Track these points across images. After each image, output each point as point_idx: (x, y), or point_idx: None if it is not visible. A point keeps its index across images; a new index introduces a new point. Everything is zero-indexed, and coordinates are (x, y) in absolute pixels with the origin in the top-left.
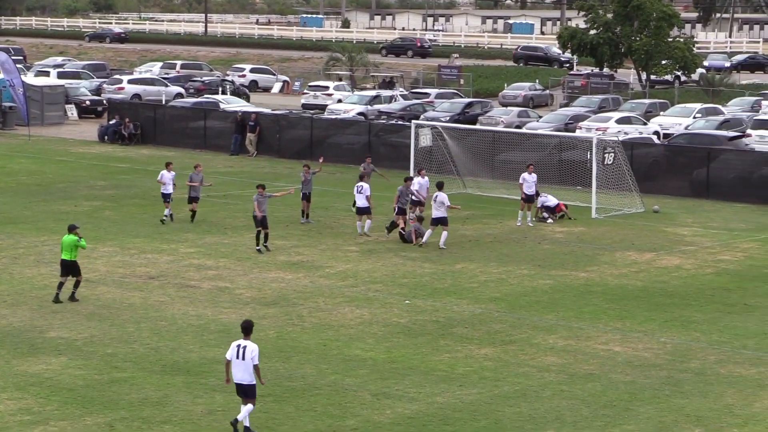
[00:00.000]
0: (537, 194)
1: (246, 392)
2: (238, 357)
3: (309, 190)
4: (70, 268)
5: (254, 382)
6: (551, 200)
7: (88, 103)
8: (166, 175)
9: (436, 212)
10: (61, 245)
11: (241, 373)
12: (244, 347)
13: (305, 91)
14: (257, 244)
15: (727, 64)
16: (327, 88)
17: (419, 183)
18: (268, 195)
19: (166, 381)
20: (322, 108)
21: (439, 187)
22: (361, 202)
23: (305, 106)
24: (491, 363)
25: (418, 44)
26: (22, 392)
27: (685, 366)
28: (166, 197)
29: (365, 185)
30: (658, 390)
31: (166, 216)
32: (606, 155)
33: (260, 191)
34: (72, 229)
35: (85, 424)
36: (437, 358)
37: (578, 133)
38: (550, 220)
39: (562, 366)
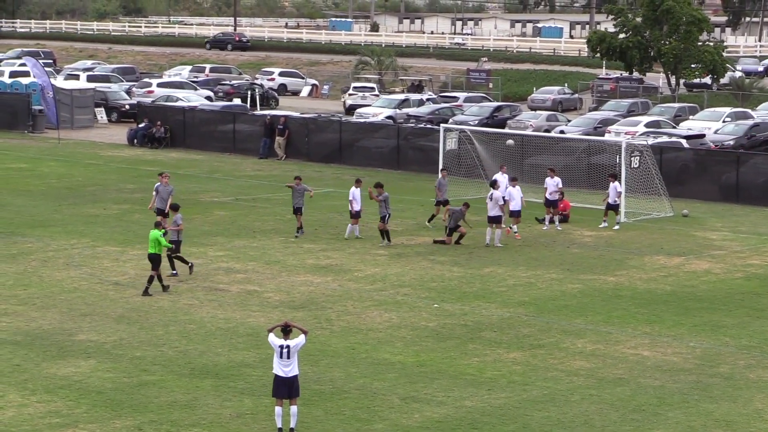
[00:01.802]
0: (561, 197)
1: (293, 387)
2: (282, 357)
3: (299, 204)
4: (155, 262)
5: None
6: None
7: (127, 107)
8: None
9: (492, 211)
10: (149, 240)
11: (288, 368)
12: (288, 347)
13: (351, 92)
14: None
15: (760, 68)
16: (374, 89)
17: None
18: (305, 188)
19: (195, 384)
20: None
21: (493, 185)
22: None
23: (352, 108)
24: (520, 367)
25: (237, 38)
26: (51, 395)
27: (714, 371)
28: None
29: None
30: (687, 395)
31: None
32: (632, 159)
33: (297, 182)
34: (158, 225)
35: (114, 427)
36: (466, 362)
37: (607, 137)
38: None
39: (590, 370)
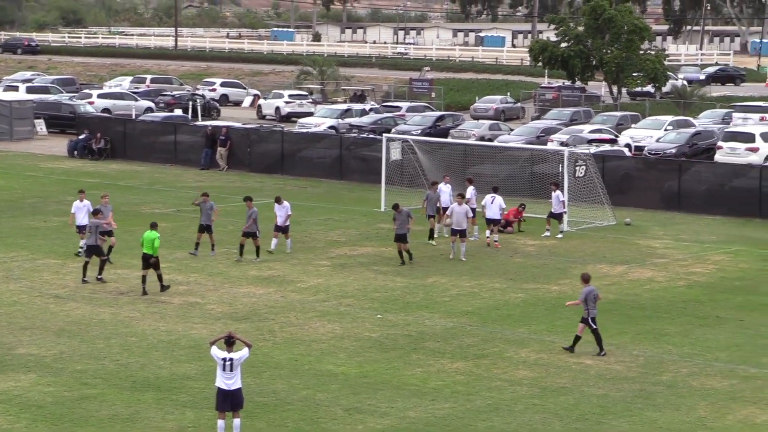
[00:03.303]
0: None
1: (236, 400)
2: (225, 370)
3: (207, 222)
4: (151, 264)
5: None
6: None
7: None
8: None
9: (493, 214)
10: (142, 240)
11: (231, 381)
12: (231, 360)
13: (286, 100)
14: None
15: (702, 77)
16: (306, 96)
17: (428, 196)
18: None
19: (137, 397)
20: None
21: (495, 190)
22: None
23: (289, 116)
24: (463, 377)
25: (26, 43)
26: None
27: (657, 379)
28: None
29: (287, 204)
30: (631, 403)
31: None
32: (577, 168)
33: (204, 198)
34: (154, 226)
35: None
36: (409, 373)
37: (550, 146)
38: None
39: (534, 380)
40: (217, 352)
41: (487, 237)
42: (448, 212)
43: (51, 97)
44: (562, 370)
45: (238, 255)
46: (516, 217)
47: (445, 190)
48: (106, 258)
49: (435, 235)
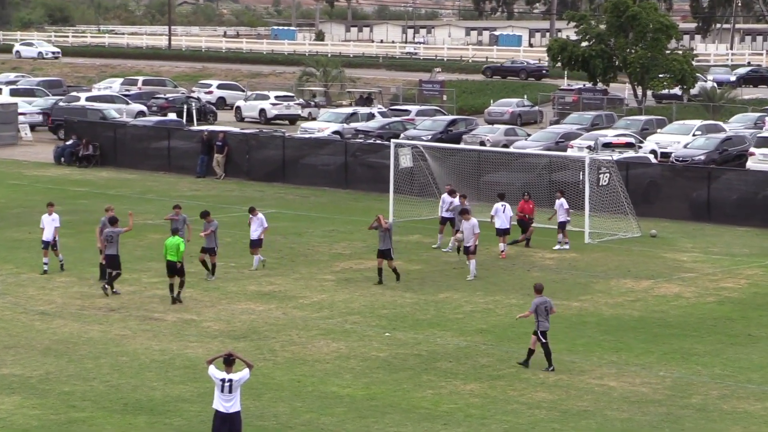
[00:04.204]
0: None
1: (235, 424)
2: (223, 391)
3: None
4: (175, 270)
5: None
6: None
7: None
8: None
9: (504, 223)
10: (165, 248)
11: (229, 404)
12: (230, 381)
13: (273, 102)
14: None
15: (733, 78)
16: (293, 97)
17: (445, 200)
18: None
19: (128, 421)
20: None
21: (501, 197)
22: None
23: (276, 118)
24: (478, 400)
25: None
26: None
27: (686, 402)
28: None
29: (262, 216)
30: (657, 428)
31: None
32: (600, 176)
33: (176, 212)
34: (176, 231)
35: None
36: (420, 395)
37: (570, 152)
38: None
39: (553, 402)
40: (216, 373)
41: (502, 251)
42: (460, 228)
43: (76, 102)
44: (583, 392)
45: (209, 274)
46: (532, 211)
47: (447, 200)
48: (119, 272)
49: (439, 246)
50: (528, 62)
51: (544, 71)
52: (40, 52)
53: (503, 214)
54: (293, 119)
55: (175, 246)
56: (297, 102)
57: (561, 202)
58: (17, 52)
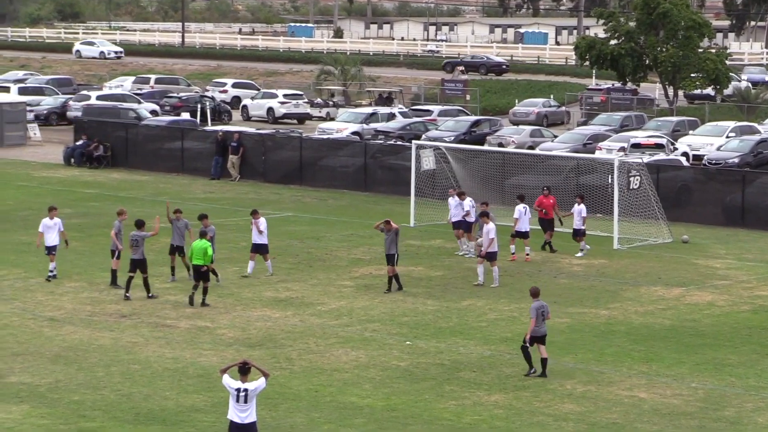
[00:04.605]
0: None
1: None
2: (238, 401)
3: (179, 243)
4: (201, 274)
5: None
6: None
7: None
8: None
9: (525, 226)
10: (191, 251)
11: (244, 414)
12: (245, 390)
13: (281, 100)
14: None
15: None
16: (302, 95)
17: (454, 203)
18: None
19: (140, 431)
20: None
21: (521, 199)
22: (259, 238)
23: (284, 117)
24: (502, 411)
25: None
26: None
27: (719, 414)
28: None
29: (263, 220)
30: None
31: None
32: (630, 179)
33: (177, 215)
34: (203, 235)
35: None
36: (442, 406)
37: (598, 154)
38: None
39: (581, 414)
40: (230, 382)
41: (527, 255)
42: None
43: (108, 102)
44: (612, 404)
45: (216, 279)
46: (552, 207)
47: (452, 203)
48: (146, 276)
49: (459, 253)
50: (488, 57)
51: (504, 66)
52: (102, 52)
53: (525, 217)
54: (302, 118)
55: (202, 249)
56: (306, 100)
57: (580, 209)
58: (77, 51)
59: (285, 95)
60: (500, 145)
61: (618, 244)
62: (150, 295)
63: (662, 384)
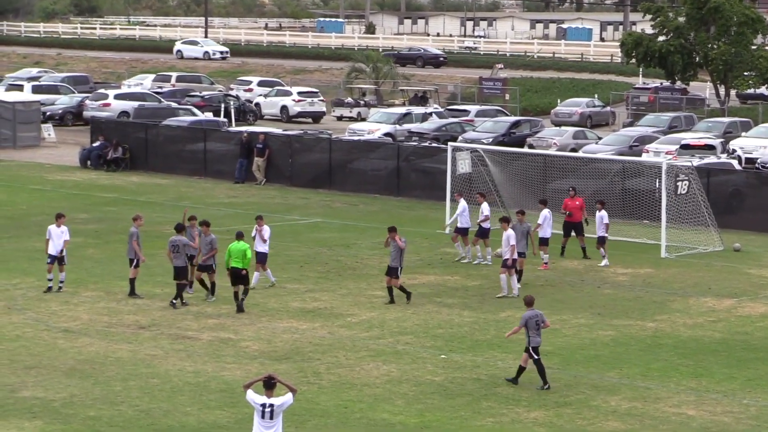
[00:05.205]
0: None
1: None
2: (263, 417)
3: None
4: (240, 277)
5: None
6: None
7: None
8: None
9: (547, 233)
10: (229, 253)
11: (270, 431)
12: (271, 406)
13: (295, 98)
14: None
15: None
16: (317, 93)
17: (460, 207)
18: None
19: None
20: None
21: (544, 204)
22: (261, 246)
23: (300, 116)
24: (543, 429)
25: None
26: None
27: None
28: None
29: (267, 228)
30: None
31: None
32: (678, 183)
33: (191, 223)
34: (241, 236)
35: None
36: (479, 423)
37: (645, 157)
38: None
39: None
40: (255, 397)
41: (545, 262)
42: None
43: (160, 103)
44: (659, 421)
45: (208, 294)
46: (579, 210)
47: (462, 206)
48: (183, 282)
49: (462, 259)
50: (425, 49)
51: (441, 59)
52: (206, 52)
53: (548, 223)
54: (317, 117)
55: (241, 252)
56: (321, 98)
57: (601, 216)
58: (178, 51)
59: (299, 93)
60: (530, 146)
61: (666, 253)
62: (183, 302)
63: (712, 401)
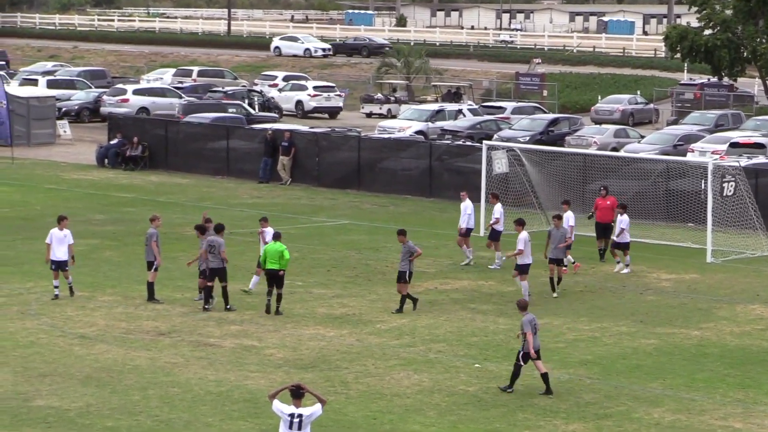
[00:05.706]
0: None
1: None
2: (291, 428)
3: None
4: (277, 279)
5: None
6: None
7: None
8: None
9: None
10: (265, 254)
11: None
12: (300, 416)
13: (311, 93)
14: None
15: None
16: (334, 87)
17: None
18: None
19: None
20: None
21: (567, 204)
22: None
23: (315, 111)
24: None
25: None
26: None
27: None
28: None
29: (269, 230)
30: None
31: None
32: (725, 185)
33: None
34: (278, 237)
35: None
36: None
37: (690, 157)
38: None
39: None
40: (282, 407)
41: (571, 263)
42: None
43: (210, 100)
44: None
45: (207, 303)
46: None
47: (463, 207)
48: (225, 285)
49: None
50: (371, 39)
51: (386, 48)
52: (307, 49)
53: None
54: (334, 112)
55: (278, 253)
56: (338, 93)
57: (622, 219)
58: (276, 48)
59: (315, 87)
60: (615, 148)
61: (711, 257)
62: (228, 306)
63: (760, 413)
